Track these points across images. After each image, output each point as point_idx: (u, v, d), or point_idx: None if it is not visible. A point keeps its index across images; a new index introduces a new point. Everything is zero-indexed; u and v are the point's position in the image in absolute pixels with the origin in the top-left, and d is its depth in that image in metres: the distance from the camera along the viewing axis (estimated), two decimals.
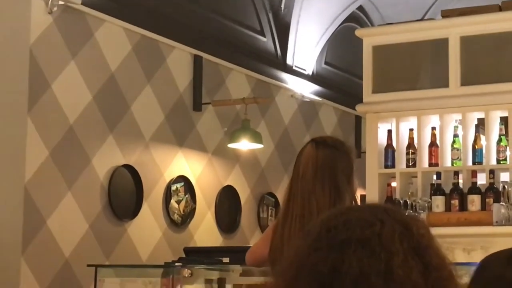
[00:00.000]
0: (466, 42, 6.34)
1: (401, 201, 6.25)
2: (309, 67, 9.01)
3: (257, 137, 7.50)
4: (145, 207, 7.00)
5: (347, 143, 3.97)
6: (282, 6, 8.55)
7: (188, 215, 7.42)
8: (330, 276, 1.17)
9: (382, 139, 6.58)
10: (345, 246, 1.21)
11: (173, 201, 7.27)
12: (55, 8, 6.17)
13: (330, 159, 3.72)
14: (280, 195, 8.40)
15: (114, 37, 6.77)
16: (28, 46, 6.06)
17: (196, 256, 5.46)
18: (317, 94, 9.10)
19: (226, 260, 4.86)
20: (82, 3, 6.37)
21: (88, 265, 5.52)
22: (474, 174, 6.22)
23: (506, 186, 6.08)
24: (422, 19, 7.15)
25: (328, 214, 1.29)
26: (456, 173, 6.24)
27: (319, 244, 1.22)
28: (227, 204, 7.93)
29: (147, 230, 6.94)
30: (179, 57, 7.42)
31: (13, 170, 5.96)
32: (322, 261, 1.19)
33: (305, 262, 1.21)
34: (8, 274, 5.86)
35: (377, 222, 1.24)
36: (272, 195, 8.50)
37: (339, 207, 1.27)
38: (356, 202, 3.88)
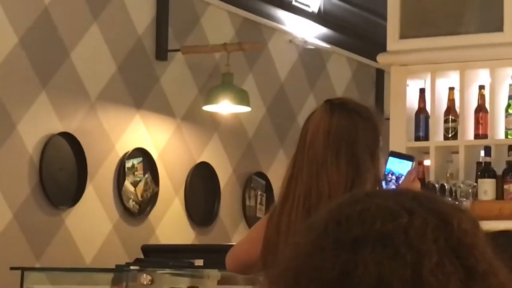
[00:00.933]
0: None
1: (436, 185, 6.32)
2: (315, 3, 9.05)
3: (243, 97, 7.54)
4: (89, 191, 7.07)
5: (374, 110, 3.98)
6: None
7: (149, 201, 7.51)
8: (339, 284, 1.18)
9: (412, 102, 6.64)
10: (359, 245, 1.21)
11: (127, 183, 7.36)
12: None
13: (349, 128, 3.72)
14: (274, 176, 8.47)
15: None
16: None
17: (159, 257, 5.52)
18: (325, 39, 9.15)
19: (199, 262, 4.92)
20: None
21: (12, 268, 5.58)
22: None
23: None
24: None
25: (339, 202, 1.28)
26: None
27: (326, 242, 1.22)
28: (202, 187, 8.02)
29: (92, 221, 7.03)
30: None
31: None
32: (329, 265, 1.19)
33: (306, 265, 1.22)
34: None
35: (404, 213, 1.24)
36: (262, 176, 8.59)
37: (354, 192, 1.27)
38: (381, 187, 3.90)
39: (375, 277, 1.18)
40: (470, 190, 6.28)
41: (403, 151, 6.50)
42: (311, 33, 8.99)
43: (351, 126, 3.74)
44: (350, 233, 1.21)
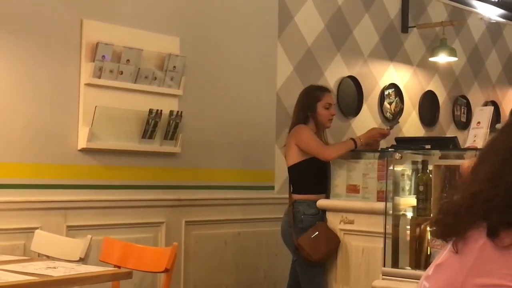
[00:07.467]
0: None
1: None
2: None
3: (452, 52, 7.40)
4: (364, 107, 7.06)
5: (317, 86, 5.07)
6: None
7: (398, 113, 7.46)
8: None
9: None
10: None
11: (386, 103, 7.31)
12: None
13: (300, 96, 5.11)
14: (471, 98, 8.26)
15: None
16: None
17: (405, 143, 5.36)
18: (502, 16, 8.74)
19: (428, 146, 4.79)
20: None
21: None
22: None
23: None
24: None
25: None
26: None
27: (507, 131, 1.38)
28: (428, 104, 7.89)
29: (366, 124, 6.92)
30: None
31: (268, 81, 6.16)
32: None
33: (497, 138, 1.38)
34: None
35: None
36: (464, 97, 8.37)
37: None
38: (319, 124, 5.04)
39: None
40: None
41: None
42: (493, 13, 8.62)
43: (301, 95, 4.93)
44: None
